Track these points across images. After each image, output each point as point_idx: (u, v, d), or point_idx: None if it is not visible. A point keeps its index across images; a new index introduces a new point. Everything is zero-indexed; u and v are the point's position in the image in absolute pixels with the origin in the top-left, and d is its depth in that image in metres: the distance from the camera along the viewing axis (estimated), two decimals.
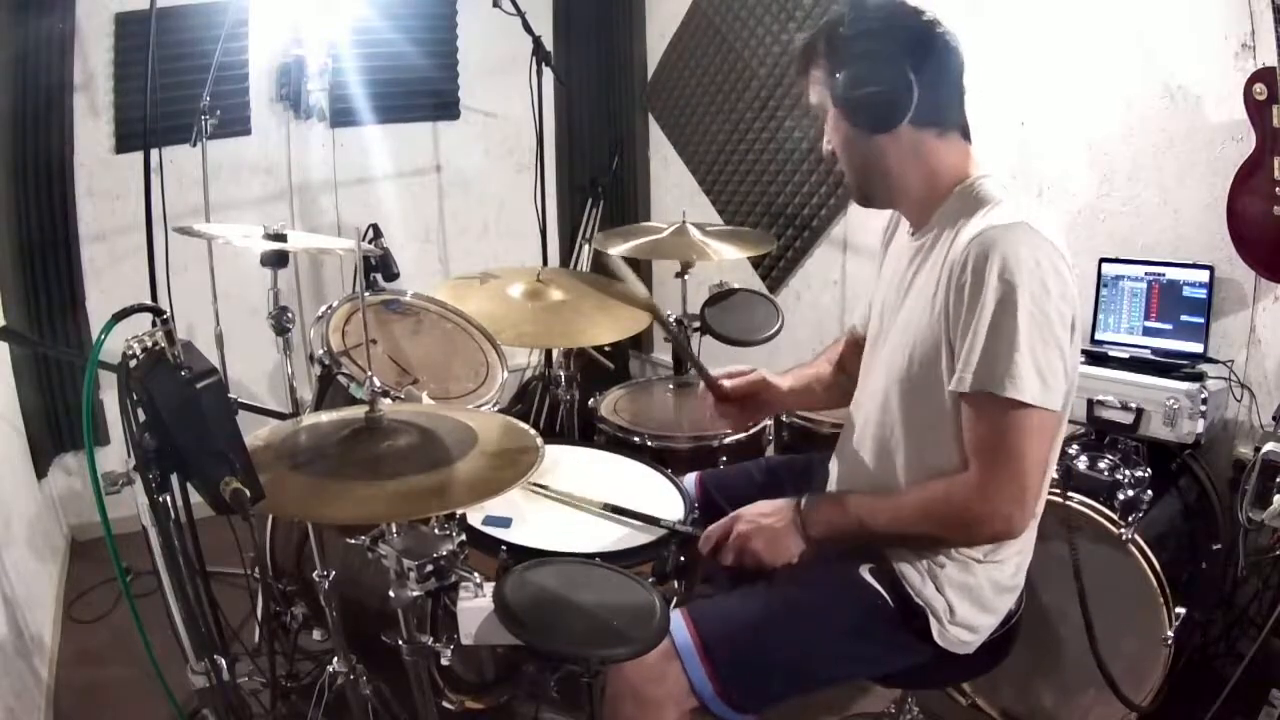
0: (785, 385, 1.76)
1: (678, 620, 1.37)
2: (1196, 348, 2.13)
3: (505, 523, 1.63)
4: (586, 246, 3.73)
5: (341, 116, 3.39)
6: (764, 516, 1.45)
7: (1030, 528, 1.40)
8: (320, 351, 1.88)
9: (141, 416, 1.08)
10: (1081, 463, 2.00)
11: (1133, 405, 2.03)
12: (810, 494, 1.46)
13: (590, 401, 2.43)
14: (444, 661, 1.44)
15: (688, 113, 3.72)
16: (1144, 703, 1.83)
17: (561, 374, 2.68)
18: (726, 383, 1.75)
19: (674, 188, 3.88)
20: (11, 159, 2.78)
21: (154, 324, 1.10)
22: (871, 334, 1.55)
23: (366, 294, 1.58)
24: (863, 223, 3.06)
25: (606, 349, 2.95)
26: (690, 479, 1.80)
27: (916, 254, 1.41)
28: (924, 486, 1.35)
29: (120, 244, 3.01)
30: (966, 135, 1.39)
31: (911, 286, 1.40)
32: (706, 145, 3.66)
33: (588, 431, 2.38)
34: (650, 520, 1.63)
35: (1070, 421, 2.11)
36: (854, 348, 1.72)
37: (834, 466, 1.62)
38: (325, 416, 1.44)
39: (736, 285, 2.68)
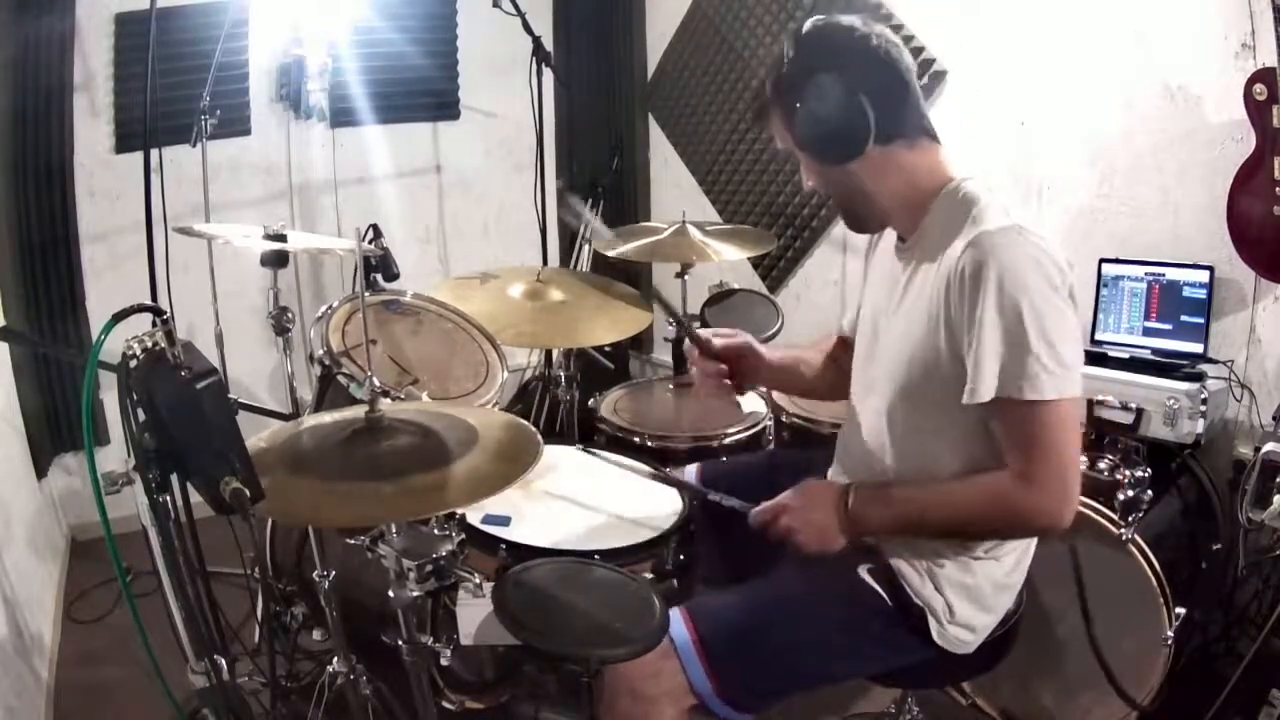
0: (770, 357, 1.69)
1: (676, 618, 1.37)
2: (1196, 348, 2.13)
3: (504, 521, 1.64)
4: (586, 246, 3.73)
5: (341, 116, 3.39)
6: (812, 512, 1.40)
7: None
8: (320, 351, 1.89)
9: (141, 416, 1.08)
10: (1081, 463, 2.00)
11: (1133, 405, 2.03)
12: (856, 490, 1.39)
13: (590, 401, 2.43)
14: (444, 661, 1.44)
15: (688, 113, 3.72)
16: (1144, 703, 1.83)
17: (561, 374, 2.69)
18: (717, 341, 1.67)
19: (674, 188, 3.87)
20: (11, 159, 2.78)
21: (154, 324, 1.09)
22: (864, 343, 1.54)
23: (366, 294, 1.58)
24: None
25: (606, 349, 2.95)
26: (691, 470, 1.80)
27: (908, 262, 1.40)
28: (970, 480, 1.32)
29: (120, 244, 3.01)
30: (934, 137, 1.38)
31: (906, 295, 1.39)
32: (706, 145, 3.66)
33: (588, 432, 2.38)
34: (694, 491, 1.69)
35: None
36: (843, 348, 1.71)
37: (834, 472, 1.61)
38: (326, 417, 1.44)
39: (736, 285, 2.69)
